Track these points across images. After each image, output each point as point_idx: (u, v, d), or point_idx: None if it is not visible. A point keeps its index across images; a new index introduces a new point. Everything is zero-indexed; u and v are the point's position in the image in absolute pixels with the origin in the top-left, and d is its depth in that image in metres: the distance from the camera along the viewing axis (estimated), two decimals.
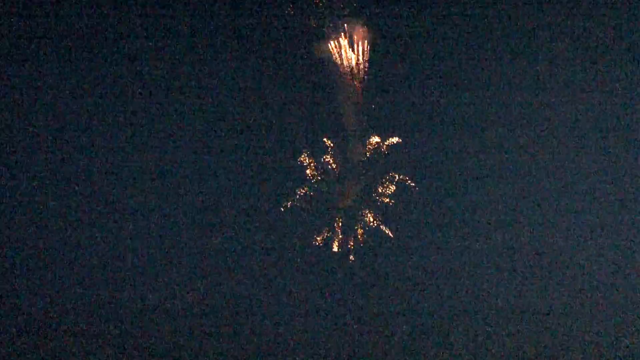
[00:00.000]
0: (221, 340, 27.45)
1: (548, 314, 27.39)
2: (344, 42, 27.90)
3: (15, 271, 27.81)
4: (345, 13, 27.78)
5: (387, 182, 28.44)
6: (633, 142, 28.20)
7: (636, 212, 27.88)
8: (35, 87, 28.29)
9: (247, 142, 28.73)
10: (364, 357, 27.27)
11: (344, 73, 28.14)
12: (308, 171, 28.43)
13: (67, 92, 28.38)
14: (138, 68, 28.38)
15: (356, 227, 28.41)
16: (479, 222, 28.24)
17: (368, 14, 27.93)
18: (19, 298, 27.52)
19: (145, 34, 28.34)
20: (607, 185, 28.08)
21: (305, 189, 28.44)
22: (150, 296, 27.84)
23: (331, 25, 27.87)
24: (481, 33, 28.40)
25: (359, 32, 27.91)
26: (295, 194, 28.37)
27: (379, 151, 28.47)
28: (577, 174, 28.26)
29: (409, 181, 28.36)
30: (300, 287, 28.16)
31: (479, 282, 27.96)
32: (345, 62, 28.07)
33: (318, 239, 28.37)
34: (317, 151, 28.42)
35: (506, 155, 28.26)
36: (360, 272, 28.27)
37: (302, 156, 28.40)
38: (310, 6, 27.85)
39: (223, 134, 28.82)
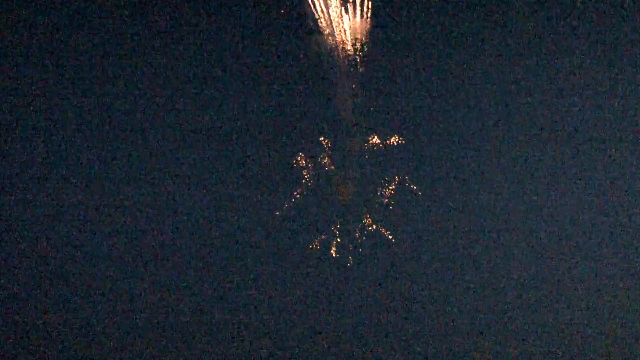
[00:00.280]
0: (216, 346, 27.06)
1: (554, 321, 27.00)
2: (342, 35, 27.40)
3: (14, 271, 27.62)
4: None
5: (387, 184, 27.73)
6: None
7: None
8: (35, 86, 28.03)
9: (239, 143, 28.01)
10: None
11: (341, 66, 27.56)
12: (304, 173, 27.72)
13: (66, 91, 28.10)
14: (124, 63, 28.04)
15: (355, 231, 27.68)
16: (483, 224, 27.69)
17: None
18: (18, 298, 27.46)
19: (135, 29, 27.93)
20: (616, 189, 27.71)
21: (302, 191, 27.69)
22: (138, 303, 27.47)
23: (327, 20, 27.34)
24: (488, 29, 27.90)
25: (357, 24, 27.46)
26: (292, 196, 27.63)
27: (378, 151, 27.78)
28: (586, 175, 27.77)
29: (410, 183, 27.66)
30: (297, 292, 27.46)
31: (483, 286, 27.38)
32: (340, 53, 27.49)
33: (315, 243, 27.60)
34: (313, 152, 27.72)
35: (512, 156, 27.75)
36: (360, 277, 27.59)
37: (298, 157, 27.64)
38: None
39: (214, 134, 28.14)
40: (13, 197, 27.72)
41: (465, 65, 27.76)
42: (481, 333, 27.14)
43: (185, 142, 27.93)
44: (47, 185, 27.81)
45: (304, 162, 27.64)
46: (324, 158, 27.68)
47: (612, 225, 27.45)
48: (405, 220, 27.60)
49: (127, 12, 27.67)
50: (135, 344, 27.12)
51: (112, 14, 27.75)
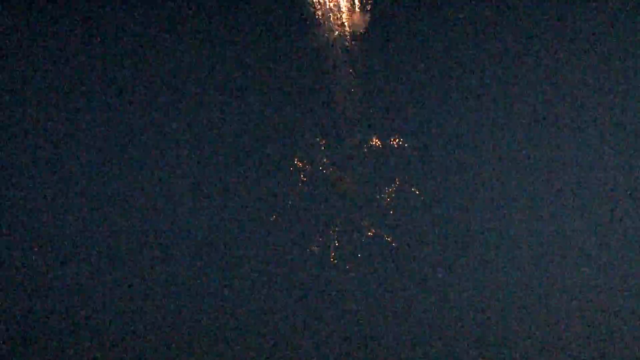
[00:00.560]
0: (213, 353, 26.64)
1: (557, 335, 26.55)
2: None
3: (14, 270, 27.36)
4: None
5: (387, 186, 26.96)
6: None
7: None
8: (35, 86, 27.68)
9: (233, 144, 27.29)
10: None
11: (340, 62, 26.76)
12: (301, 175, 26.88)
13: (65, 91, 27.69)
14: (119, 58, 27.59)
15: (354, 235, 26.95)
16: (486, 229, 27.05)
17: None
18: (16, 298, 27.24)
19: (131, 25, 27.40)
20: (619, 193, 27.18)
21: (299, 194, 26.90)
22: (136, 305, 27.12)
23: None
24: (497, 26, 27.26)
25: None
26: (288, 199, 26.84)
27: (378, 153, 26.98)
28: (591, 179, 27.20)
29: (411, 185, 26.89)
30: (295, 298, 26.80)
31: (486, 292, 26.75)
32: (339, 48, 26.72)
33: (313, 248, 26.82)
34: (311, 153, 26.95)
35: (518, 159, 27.15)
36: (359, 282, 26.88)
37: (295, 159, 26.83)
38: None
39: (205, 135, 27.45)
40: (13, 197, 27.50)
41: (471, 64, 27.15)
42: (483, 338, 26.60)
43: (176, 143, 27.38)
44: (47, 185, 27.50)
45: (300, 163, 26.91)
46: (322, 159, 26.92)
47: (616, 229, 26.96)
48: (406, 224, 26.99)
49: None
50: (130, 347, 26.78)
51: (104, 9, 27.36)
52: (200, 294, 26.99)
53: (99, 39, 27.51)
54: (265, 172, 27.12)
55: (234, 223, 27.15)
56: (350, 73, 26.72)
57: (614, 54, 27.17)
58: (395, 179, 26.96)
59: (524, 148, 27.17)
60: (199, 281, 27.09)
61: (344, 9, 26.48)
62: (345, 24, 26.51)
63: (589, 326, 26.63)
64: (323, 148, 26.93)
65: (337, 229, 26.91)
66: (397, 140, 26.88)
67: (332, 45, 26.51)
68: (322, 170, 26.96)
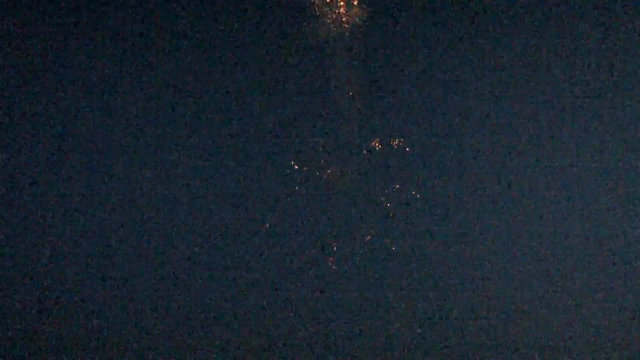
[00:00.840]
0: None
1: (557, 336, 26.35)
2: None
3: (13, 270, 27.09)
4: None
5: (388, 190, 26.76)
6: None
7: None
8: (35, 85, 27.36)
9: (228, 145, 27.06)
10: None
11: (339, 58, 26.46)
12: (299, 178, 26.65)
13: (65, 91, 27.37)
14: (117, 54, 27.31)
15: (354, 239, 26.74)
16: (487, 233, 26.95)
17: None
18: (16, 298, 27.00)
19: (126, 20, 27.10)
20: (620, 193, 27.08)
21: (296, 197, 26.69)
22: (133, 306, 26.92)
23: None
24: (502, 25, 27.07)
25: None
26: (286, 202, 26.63)
27: (379, 155, 26.77)
28: (594, 180, 27.11)
29: (412, 189, 26.73)
30: (294, 303, 26.59)
31: (487, 295, 26.61)
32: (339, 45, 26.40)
33: (312, 252, 26.56)
34: (309, 155, 26.76)
35: (521, 162, 27.02)
36: (359, 288, 26.67)
37: (292, 162, 26.61)
38: None
39: (200, 136, 27.19)
40: (13, 197, 27.23)
41: (474, 62, 27.02)
42: (484, 339, 26.37)
43: (172, 142, 27.25)
44: (47, 185, 27.21)
45: (297, 166, 26.68)
46: (320, 162, 26.71)
47: (616, 229, 26.85)
48: (407, 228, 26.89)
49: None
50: (130, 347, 26.42)
51: (107, 10, 27.13)
52: (198, 296, 26.88)
53: (98, 39, 27.38)
54: (263, 172, 27.12)
55: (231, 224, 27.10)
56: (350, 73, 26.50)
57: (615, 54, 27.07)
58: (395, 182, 26.87)
59: (528, 151, 27.15)
60: (196, 283, 27.01)
61: (342, 3, 26.28)
62: (344, 19, 26.33)
63: (589, 326, 26.50)
64: (322, 149, 26.78)
65: (335, 231, 26.76)
66: (397, 141, 26.70)
67: (330, 42, 26.24)
68: (321, 170, 26.83)
